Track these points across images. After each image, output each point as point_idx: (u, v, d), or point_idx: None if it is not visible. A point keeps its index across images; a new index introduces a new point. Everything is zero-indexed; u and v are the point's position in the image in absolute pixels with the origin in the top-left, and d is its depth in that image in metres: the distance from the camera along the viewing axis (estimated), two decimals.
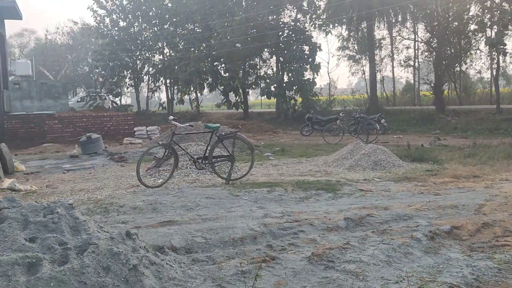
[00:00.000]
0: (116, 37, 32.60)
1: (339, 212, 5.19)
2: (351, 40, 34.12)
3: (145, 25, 33.26)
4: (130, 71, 33.49)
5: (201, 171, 7.95)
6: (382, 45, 34.54)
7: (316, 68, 26.67)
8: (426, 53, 31.91)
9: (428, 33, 28.68)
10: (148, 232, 4.48)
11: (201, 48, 30.01)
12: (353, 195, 6.39)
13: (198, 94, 33.64)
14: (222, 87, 29.77)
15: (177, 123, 7.28)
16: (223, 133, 7.47)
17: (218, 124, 7.86)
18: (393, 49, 34.77)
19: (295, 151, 13.61)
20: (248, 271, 3.35)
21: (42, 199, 6.76)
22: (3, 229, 2.99)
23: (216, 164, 7.47)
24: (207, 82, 31.25)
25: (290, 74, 27.02)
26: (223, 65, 30.31)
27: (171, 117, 7.43)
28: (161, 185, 7.16)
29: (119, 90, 34.41)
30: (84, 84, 45.65)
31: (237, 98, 29.61)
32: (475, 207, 5.43)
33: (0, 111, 17.70)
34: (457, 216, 5.08)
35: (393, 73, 37.35)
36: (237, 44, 26.73)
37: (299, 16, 28.64)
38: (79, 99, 34.21)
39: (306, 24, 28.67)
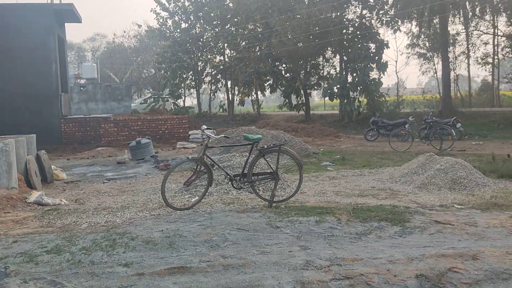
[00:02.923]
0: (178, 39, 32.52)
1: (409, 261, 3.83)
2: (422, 36, 31.53)
3: (206, 26, 32.93)
4: (191, 72, 33.29)
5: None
6: (456, 41, 31.79)
7: (383, 67, 24.81)
8: (508, 49, 28.94)
9: (510, 26, 25.84)
10: (147, 285, 3.42)
11: (262, 48, 29.04)
12: (427, 229, 4.95)
13: (260, 95, 32.75)
14: (283, 88, 28.60)
15: (210, 134, 6.19)
16: (265, 146, 6.28)
17: (260, 135, 6.69)
18: (469, 45, 31.82)
19: (357, 159, 12.17)
20: None
21: (58, 220, 5.97)
22: None
23: (256, 184, 6.31)
24: (268, 83, 30.32)
25: (354, 74, 25.41)
26: (284, 65, 29.18)
27: (204, 126, 6.35)
28: (191, 207, 6.11)
29: (181, 92, 34.28)
30: (151, 86, 46.36)
31: (299, 99, 28.33)
32: None
33: (58, 114, 17.66)
34: None
35: (468, 71, 34.17)
36: (298, 43, 25.49)
37: (364, 12, 26.82)
38: (142, 101, 34.56)
39: (372, 21, 26.80)
